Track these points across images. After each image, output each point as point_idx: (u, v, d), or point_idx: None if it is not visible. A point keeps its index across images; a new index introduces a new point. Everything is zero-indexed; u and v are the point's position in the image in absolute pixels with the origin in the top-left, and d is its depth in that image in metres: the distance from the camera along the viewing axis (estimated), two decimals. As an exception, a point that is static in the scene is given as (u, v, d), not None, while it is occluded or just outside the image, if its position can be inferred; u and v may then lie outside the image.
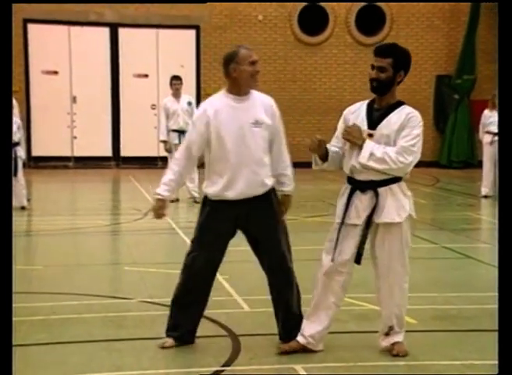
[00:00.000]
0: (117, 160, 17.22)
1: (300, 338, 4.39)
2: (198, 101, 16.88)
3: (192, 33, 17.22)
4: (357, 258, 4.27)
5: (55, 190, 13.43)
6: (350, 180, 4.27)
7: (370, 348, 4.48)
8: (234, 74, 4.29)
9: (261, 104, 4.37)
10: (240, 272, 6.77)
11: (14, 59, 16.35)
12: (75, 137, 16.99)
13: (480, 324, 4.97)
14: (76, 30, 16.75)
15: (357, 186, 4.21)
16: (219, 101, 4.38)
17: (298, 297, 4.51)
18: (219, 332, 4.78)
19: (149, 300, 5.54)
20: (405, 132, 4.12)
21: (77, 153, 16.92)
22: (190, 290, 4.40)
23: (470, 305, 5.43)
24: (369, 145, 4.11)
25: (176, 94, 11.33)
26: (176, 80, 11.34)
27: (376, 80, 4.16)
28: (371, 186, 4.16)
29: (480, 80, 16.96)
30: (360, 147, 4.13)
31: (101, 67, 16.95)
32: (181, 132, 11.16)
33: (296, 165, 4.74)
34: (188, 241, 8.09)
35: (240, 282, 6.18)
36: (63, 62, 16.82)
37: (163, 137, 11.29)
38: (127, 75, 17.15)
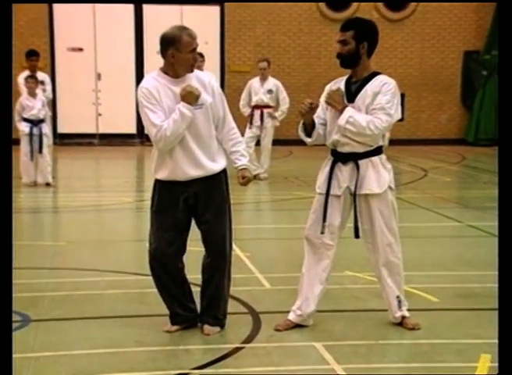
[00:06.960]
0: (141, 137, 17.24)
1: (293, 316, 4.41)
2: (222, 78, 16.95)
3: (216, 9, 17.10)
4: (355, 232, 4.32)
5: (80, 167, 13.50)
6: (333, 153, 4.38)
7: (391, 326, 4.45)
8: (171, 60, 4.15)
9: (197, 82, 4.20)
10: (261, 249, 6.78)
11: (40, 37, 16.50)
12: (100, 114, 17.05)
13: (504, 303, 4.91)
14: (100, 7, 16.74)
15: (339, 158, 4.32)
16: (157, 81, 4.18)
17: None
18: (240, 309, 4.79)
19: (171, 276, 5.54)
20: (379, 98, 4.21)
21: (102, 130, 16.98)
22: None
23: (494, 284, 5.32)
24: (350, 110, 4.23)
25: (199, 71, 11.26)
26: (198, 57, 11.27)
27: (340, 54, 4.31)
28: (353, 158, 4.28)
29: (509, 56, 16.58)
30: (341, 112, 4.24)
31: (125, 44, 16.93)
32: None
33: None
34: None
35: (261, 259, 6.17)
36: (88, 39, 16.84)
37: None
38: (151, 52, 17.05)
